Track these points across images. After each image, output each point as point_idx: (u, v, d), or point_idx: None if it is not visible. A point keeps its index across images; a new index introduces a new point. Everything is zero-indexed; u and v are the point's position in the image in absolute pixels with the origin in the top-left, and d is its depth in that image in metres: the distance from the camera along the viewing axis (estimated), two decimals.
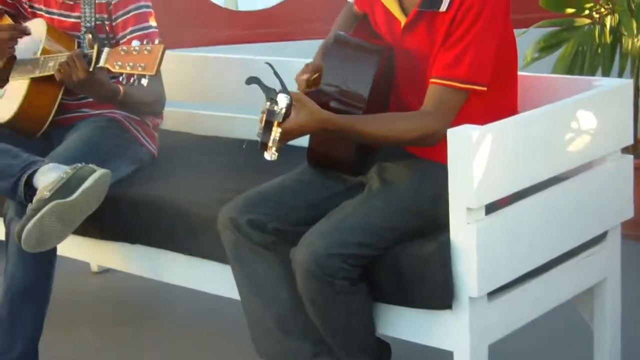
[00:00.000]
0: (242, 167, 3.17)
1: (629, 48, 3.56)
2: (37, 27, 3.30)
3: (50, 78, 3.16)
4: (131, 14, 3.24)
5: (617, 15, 3.56)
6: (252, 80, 2.34)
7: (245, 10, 4.63)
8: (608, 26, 3.59)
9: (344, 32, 2.80)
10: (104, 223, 3.05)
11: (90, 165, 2.94)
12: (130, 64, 2.79)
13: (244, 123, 3.62)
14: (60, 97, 3.26)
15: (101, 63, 2.88)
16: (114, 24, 3.26)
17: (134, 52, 2.81)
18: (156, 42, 2.79)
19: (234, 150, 3.42)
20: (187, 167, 3.29)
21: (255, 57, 3.57)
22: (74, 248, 3.13)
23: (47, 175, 2.91)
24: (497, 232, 2.42)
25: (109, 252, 3.18)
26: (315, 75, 2.65)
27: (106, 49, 2.88)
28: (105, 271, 4.05)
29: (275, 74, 2.36)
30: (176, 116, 3.76)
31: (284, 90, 2.30)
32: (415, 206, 2.52)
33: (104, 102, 3.19)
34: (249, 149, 3.18)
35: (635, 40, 3.51)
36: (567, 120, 2.60)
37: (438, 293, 2.42)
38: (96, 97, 3.11)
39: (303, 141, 2.57)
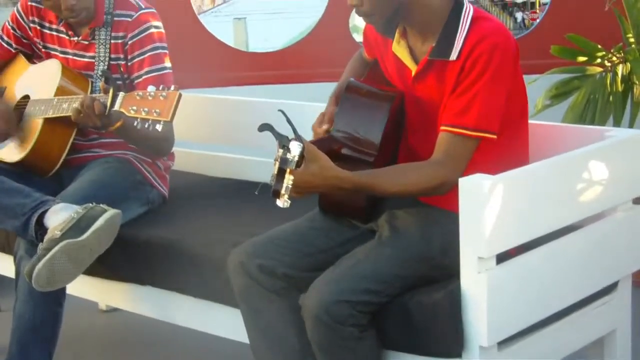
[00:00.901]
0: (254, 211, 3.17)
1: None
2: (51, 67, 3.33)
3: (63, 118, 3.19)
4: (147, 54, 3.26)
5: (629, 64, 3.57)
6: (265, 127, 2.35)
7: (256, 52, 4.63)
8: (620, 75, 3.60)
9: (355, 78, 2.82)
10: (113, 264, 3.06)
11: (101, 205, 2.95)
12: (146, 109, 2.80)
13: (257, 165, 3.63)
14: (73, 137, 3.27)
15: (116, 107, 2.90)
16: (129, 64, 3.28)
17: (149, 97, 2.82)
18: (172, 88, 2.79)
19: (246, 193, 3.42)
20: (198, 210, 3.30)
21: (268, 99, 3.59)
22: (82, 287, 3.13)
23: (58, 215, 2.93)
24: (508, 282, 2.42)
25: (118, 293, 3.18)
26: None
27: (121, 94, 2.90)
28: (113, 310, 4.05)
29: (288, 121, 2.38)
30: (188, 157, 3.77)
31: (297, 137, 2.31)
32: (425, 254, 2.52)
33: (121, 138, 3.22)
34: (262, 192, 3.22)
35: None
36: (579, 171, 2.60)
37: (448, 341, 2.41)
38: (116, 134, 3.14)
39: None
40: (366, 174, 2.45)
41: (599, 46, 3.61)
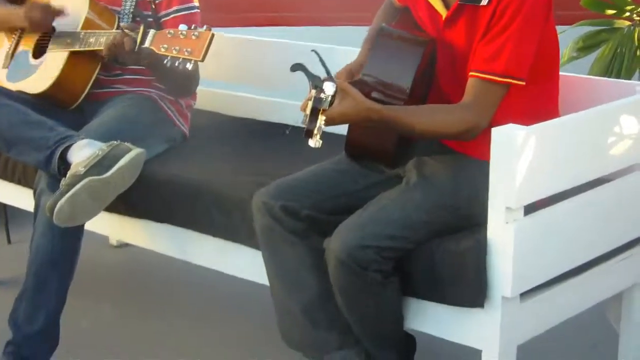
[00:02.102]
0: (277, 152, 3.18)
1: None
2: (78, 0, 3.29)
3: (88, 53, 3.16)
4: None
5: None
6: (297, 67, 2.33)
7: None
8: None
9: (387, 24, 2.79)
10: (133, 200, 3.04)
11: (125, 143, 2.93)
12: (177, 47, 2.78)
13: (279, 106, 3.62)
14: (97, 72, 3.25)
15: (146, 44, 2.88)
16: (157, 1, 3.24)
17: (181, 36, 2.79)
18: (204, 27, 2.77)
19: (267, 134, 3.44)
20: (219, 149, 3.28)
21: (295, 41, 3.55)
22: (100, 223, 3.10)
23: (83, 151, 2.91)
24: (535, 234, 2.41)
25: (136, 229, 3.16)
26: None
27: (152, 31, 2.88)
28: (124, 245, 4.05)
29: (321, 61, 2.36)
30: (209, 96, 3.74)
31: (330, 78, 2.30)
32: (452, 202, 2.51)
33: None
34: (286, 134, 3.21)
35: None
36: (611, 125, 2.58)
37: (471, 291, 2.41)
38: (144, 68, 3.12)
39: (342, 130, 2.56)
40: (396, 109, 2.44)
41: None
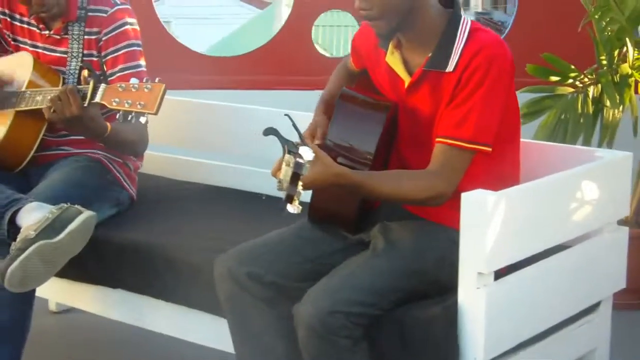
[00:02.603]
0: (228, 216, 3.15)
1: (609, 119, 3.60)
2: (22, 60, 3.22)
3: (33, 113, 3.09)
4: (122, 51, 3.17)
5: (600, 86, 3.60)
6: (270, 131, 2.30)
7: (217, 56, 4.58)
8: (591, 96, 3.63)
9: (339, 86, 2.81)
10: (83, 265, 2.95)
11: (75, 206, 2.85)
12: (129, 101, 2.72)
13: (225, 171, 3.58)
14: (42, 132, 3.16)
15: (97, 99, 2.81)
16: (103, 60, 3.18)
17: (133, 90, 2.73)
18: (156, 80, 2.72)
19: (217, 198, 3.39)
20: (169, 213, 3.23)
21: (234, 103, 3.54)
22: (46, 288, 2.98)
23: (32, 214, 2.82)
24: (504, 298, 2.42)
25: (86, 295, 3.09)
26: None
27: (102, 85, 2.81)
28: (65, 311, 3.92)
29: (294, 126, 2.34)
30: (153, 159, 3.68)
31: (303, 142, 2.27)
32: (420, 268, 2.49)
33: (90, 139, 3.10)
34: (233, 198, 3.17)
35: (617, 111, 3.56)
36: (574, 190, 2.62)
37: (442, 357, 2.39)
38: (84, 133, 3.02)
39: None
40: (363, 173, 2.43)
41: (573, 67, 3.64)
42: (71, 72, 3.21)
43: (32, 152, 3.16)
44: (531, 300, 2.50)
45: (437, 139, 2.50)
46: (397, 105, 2.64)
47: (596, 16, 3.62)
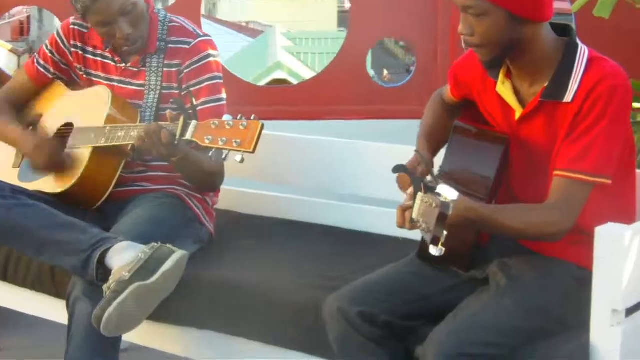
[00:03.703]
0: (316, 252, 3.06)
1: None
2: (99, 94, 3.12)
3: (112, 148, 2.98)
4: (204, 84, 3.08)
5: None
6: (400, 168, 2.22)
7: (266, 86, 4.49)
8: None
9: (438, 119, 2.76)
10: (168, 306, 2.82)
11: (167, 245, 2.74)
12: (224, 138, 2.62)
13: (298, 204, 3.49)
14: (120, 169, 3.06)
15: (188, 136, 2.70)
16: (183, 93, 3.09)
17: (227, 127, 2.63)
18: (252, 117, 2.62)
19: (296, 233, 3.30)
20: (255, 250, 3.11)
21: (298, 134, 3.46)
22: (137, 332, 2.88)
23: (123, 254, 2.71)
24: (638, 334, 2.32)
25: (173, 336, 2.95)
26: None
27: (193, 122, 2.71)
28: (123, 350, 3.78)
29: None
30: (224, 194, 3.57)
31: (435, 180, 2.20)
32: (544, 305, 2.40)
33: (175, 171, 3.02)
34: (315, 233, 3.06)
35: None
36: None
37: None
38: (173, 167, 2.94)
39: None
40: (491, 207, 2.36)
41: None
42: (148, 105, 3.11)
43: (110, 189, 3.05)
44: None
45: (556, 172, 2.41)
46: (509, 137, 2.56)
47: None
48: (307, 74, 13.84)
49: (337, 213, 3.35)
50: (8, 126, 3.20)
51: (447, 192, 2.09)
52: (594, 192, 2.41)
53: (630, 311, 2.32)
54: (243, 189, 3.63)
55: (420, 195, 2.15)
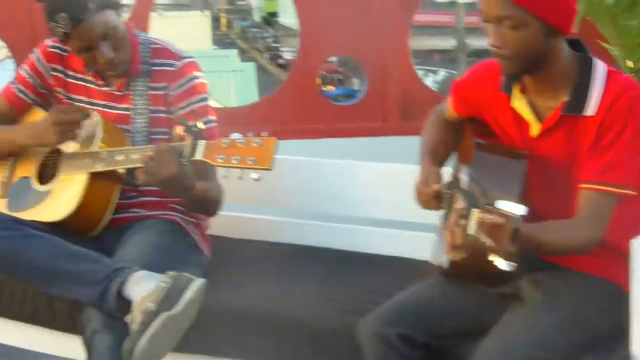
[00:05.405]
0: (328, 275, 3.06)
1: None
2: (89, 119, 3.01)
3: (107, 174, 2.91)
4: (194, 106, 3.02)
5: None
6: (454, 185, 2.23)
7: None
8: None
9: (441, 135, 2.78)
10: (195, 335, 2.76)
11: (185, 274, 2.69)
12: (237, 157, 2.58)
13: (288, 227, 3.46)
14: (118, 194, 2.98)
15: (198, 156, 2.66)
16: (172, 116, 3.03)
17: (239, 145, 2.60)
18: (265, 133, 2.60)
19: (298, 256, 3.28)
20: (260, 275, 3.06)
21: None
22: None
23: (143, 284, 2.65)
24: None
25: None
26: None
27: (202, 141, 2.67)
28: None
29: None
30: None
31: (491, 197, 2.22)
32: (584, 319, 2.44)
33: (179, 197, 2.96)
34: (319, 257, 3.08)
35: None
36: None
37: None
38: (175, 192, 2.87)
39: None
40: (532, 225, 2.34)
41: None
42: (137, 129, 3.03)
43: (108, 216, 2.97)
44: None
45: (584, 185, 2.45)
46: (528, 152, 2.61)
47: None
48: None
49: (339, 234, 3.33)
50: (7, 130, 3.10)
51: (511, 207, 2.11)
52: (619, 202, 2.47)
53: None
54: (232, 213, 3.57)
55: (476, 211, 2.16)
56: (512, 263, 2.11)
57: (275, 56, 23.89)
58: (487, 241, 2.13)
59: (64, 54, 3.11)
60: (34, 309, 2.95)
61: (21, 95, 3.15)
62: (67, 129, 2.94)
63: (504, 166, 2.56)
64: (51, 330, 2.94)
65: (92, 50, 2.93)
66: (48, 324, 2.94)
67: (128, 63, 3.02)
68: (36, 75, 3.13)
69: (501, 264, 2.11)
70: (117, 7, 2.96)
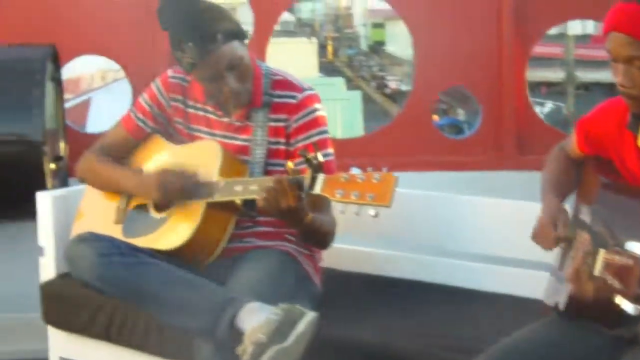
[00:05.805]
0: (433, 312, 2.99)
1: None
2: (209, 149, 3.05)
3: (223, 204, 2.90)
4: (314, 139, 3.01)
5: None
6: (580, 224, 2.17)
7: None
8: None
9: (565, 172, 2.72)
10: None
11: (297, 306, 2.66)
12: (356, 192, 2.56)
13: (400, 260, 3.41)
14: (233, 225, 2.98)
15: (317, 190, 2.64)
16: (291, 148, 3.02)
17: (359, 180, 2.58)
18: (384, 170, 2.57)
19: (413, 293, 3.22)
20: (376, 309, 3.02)
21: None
22: None
23: (255, 315, 2.63)
24: None
25: None
26: None
27: (321, 175, 2.65)
28: None
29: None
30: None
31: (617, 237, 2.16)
32: None
33: (293, 228, 2.94)
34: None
35: None
36: None
37: None
38: (290, 223, 2.86)
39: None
40: None
41: None
42: (256, 160, 3.03)
43: (222, 245, 2.97)
44: None
45: None
46: None
47: None
48: None
49: (451, 270, 3.28)
50: (119, 173, 3.14)
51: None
52: None
53: None
54: (345, 246, 3.53)
55: (603, 251, 2.10)
56: (639, 307, 2.05)
57: (381, 85, 24.07)
58: (614, 283, 2.08)
59: (184, 84, 3.13)
60: (145, 337, 2.96)
61: (141, 124, 3.19)
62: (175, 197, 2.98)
63: (633, 208, 2.48)
64: (161, 359, 2.93)
65: (217, 80, 2.94)
66: (158, 353, 2.94)
67: (250, 94, 3.02)
68: (156, 105, 3.17)
69: (628, 307, 2.06)
70: (244, 37, 2.97)
